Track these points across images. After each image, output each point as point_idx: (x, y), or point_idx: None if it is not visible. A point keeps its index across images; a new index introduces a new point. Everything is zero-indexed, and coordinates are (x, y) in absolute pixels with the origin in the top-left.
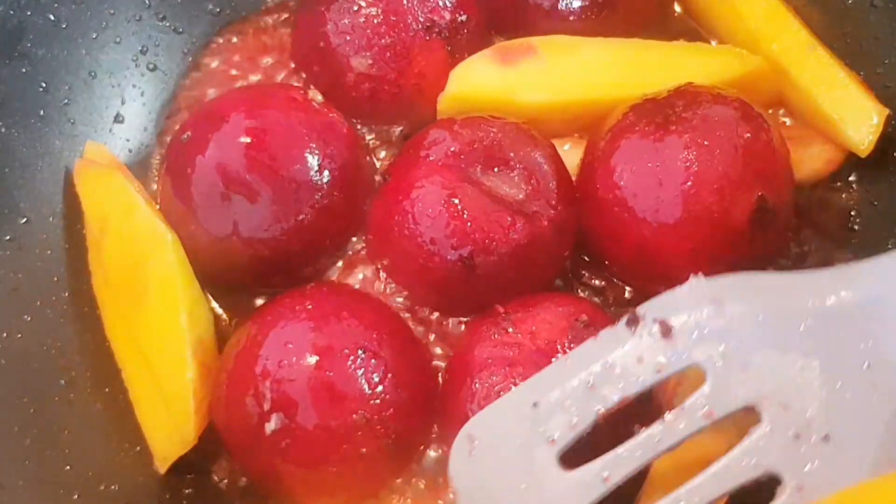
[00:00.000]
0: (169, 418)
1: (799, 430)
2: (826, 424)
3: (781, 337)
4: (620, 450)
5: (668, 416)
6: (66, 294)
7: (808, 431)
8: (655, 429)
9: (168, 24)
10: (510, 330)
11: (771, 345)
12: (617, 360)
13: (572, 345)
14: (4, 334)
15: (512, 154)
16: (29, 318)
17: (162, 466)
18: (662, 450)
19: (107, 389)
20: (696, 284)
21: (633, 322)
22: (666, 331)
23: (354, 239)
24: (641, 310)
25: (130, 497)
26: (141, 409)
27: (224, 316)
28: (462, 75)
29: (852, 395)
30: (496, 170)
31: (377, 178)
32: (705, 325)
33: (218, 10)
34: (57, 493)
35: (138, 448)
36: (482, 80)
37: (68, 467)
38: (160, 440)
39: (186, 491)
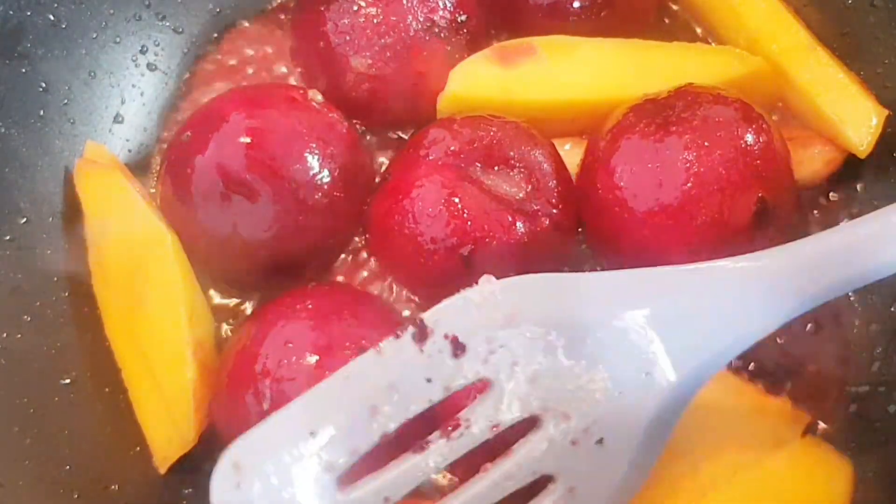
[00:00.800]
0: (169, 418)
1: (577, 436)
2: (602, 429)
3: (571, 348)
4: (401, 468)
5: (454, 433)
6: (66, 294)
7: (585, 437)
8: (439, 444)
9: (168, 24)
10: None
11: (560, 356)
12: (403, 380)
13: None
14: (4, 334)
15: (512, 153)
16: (29, 318)
17: (162, 466)
18: (446, 465)
19: (107, 389)
20: (489, 290)
21: (422, 336)
22: (457, 349)
23: (356, 238)
24: (430, 320)
25: (130, 497)
26: (141, 409)
27: (224, 315)
28: (461, 75)
29: (629, 400)
30: (496, 169)
31: (377, 177)
32: (497, 341)
33: (218, 9)
34: (57, 493)
35: (138, 448)
36: (481, 81)
37: (68, 467)
38: (160, 440)
39: (186, 491)
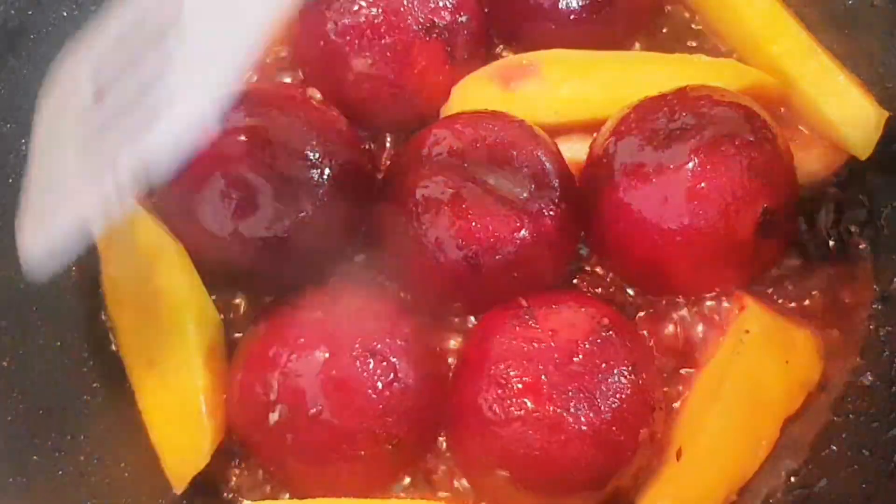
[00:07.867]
0: (183, 433)
1: None
2: None
3: None
4: None
5: None
6: (68, 294)
7: None
8: None
9: None
10: (532, 324)
11: None
12: None
13: (593, 348)
14: (8, 336)
15: (515, 153)
16: (35, 312)
17: (179, 486)
18: None
19: (121, 404)
20: None
21: None
22: None
23: (358, 238)
24: None
25: None
26: (155, 429)
27: (223, 314)
28: (462, 98)
29: None
30: (500, 169)
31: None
32: None
33: None
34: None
35: (153, 465)
36: (483, 104)
37: (81, 474)
38: (175, 458)
39: None
